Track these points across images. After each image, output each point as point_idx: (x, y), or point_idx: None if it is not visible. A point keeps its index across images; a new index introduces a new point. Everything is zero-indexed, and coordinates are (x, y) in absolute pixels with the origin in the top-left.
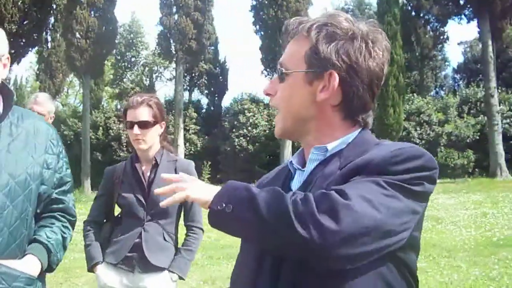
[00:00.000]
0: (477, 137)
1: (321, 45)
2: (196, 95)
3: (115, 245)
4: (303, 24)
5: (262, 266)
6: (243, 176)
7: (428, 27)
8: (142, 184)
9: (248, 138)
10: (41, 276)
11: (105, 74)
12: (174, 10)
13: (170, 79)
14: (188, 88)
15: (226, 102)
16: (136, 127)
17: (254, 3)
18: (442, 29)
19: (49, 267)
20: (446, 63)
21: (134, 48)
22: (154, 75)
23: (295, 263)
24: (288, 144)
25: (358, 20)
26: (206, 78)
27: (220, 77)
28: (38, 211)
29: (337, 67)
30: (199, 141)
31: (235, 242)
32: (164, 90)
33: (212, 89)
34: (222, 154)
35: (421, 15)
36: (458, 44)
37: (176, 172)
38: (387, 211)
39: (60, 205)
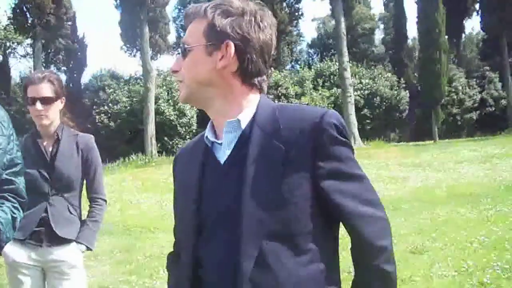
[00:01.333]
0: (331, 108)
1: (217, 21)
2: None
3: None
4: (200, 7)
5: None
6: (105, 154)
7: (284, 4)
8: (45, 159)
9: (109, 114)
10: None
11: None
12: None
13: (25, 56)
14: (44, 65)
15: (85, 79)
16: (38, 103)
17: None
18: (297, 5)
19: None
20: (301, 39)
21: None
22: (7, 51)
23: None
24: (151, 120)
25: (247, 1)
26: (63, 54)
27: (79, 53)
28: None
29: (232, 38)
30: None
31: (109, 218)
32: (19, 67)
33: (70, 65)
34: (84, 131)
35: None
36: (312, 20)
37: (77, 147)
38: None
39: (11, 186)
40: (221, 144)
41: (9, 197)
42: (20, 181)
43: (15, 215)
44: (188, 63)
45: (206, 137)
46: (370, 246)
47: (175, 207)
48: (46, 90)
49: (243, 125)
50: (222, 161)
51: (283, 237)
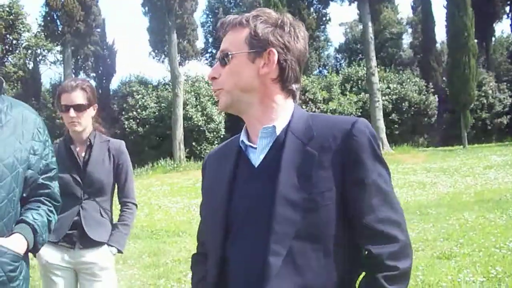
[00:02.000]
0: (359, 113)
1: (259, 30)
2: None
3: None
4: (239, 17)
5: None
6: (133, 159)
7: (312, 9)
8: (77, 164)
9: (137, 120)
10: (26, 256)
11: None
12: None
13: (54, 62)
14: (74, 71)
15: (114, 84)
16: (71, 110)
17: None
18: (324, 10)
19: (35, 247)
20: (329, 43)
21: (15, 30)
22: (37, 58)
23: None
24: (180, 125)
25: (282, 12)
26: (92, 60)
27: (108, 60)
28: (25, 195)
29: (275, 45)
30: None
31: (137, 223)
32: (49, 73)
33: (99, 71)
34: (112, 137)
35: None
36: (339, 25)
37: (109, 152)
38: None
39: (46, 190)
40: (255, 148)
41: (44, 201)
42: (55, 186)
43: (50, 218)
44: (230, 69)
45: (242, 141)
46: (379, 265)
47: (202, 208)
48: (79, 97)
49: (278, 131)
50: (256, 165)
51: (312, 239)
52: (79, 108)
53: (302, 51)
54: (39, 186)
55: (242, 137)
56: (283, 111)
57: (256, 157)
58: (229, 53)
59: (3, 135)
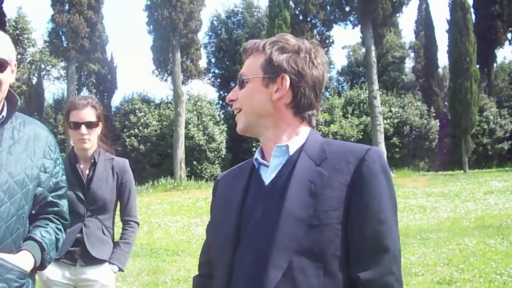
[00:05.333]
0: (361, 136)
1: (274, 56)
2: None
3: None
4: (258, 43)
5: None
6: (134, 176)
7: (315, 31)
8: (81, 182)
9: (139, 138)
10: (33, 273)
11: None
12: (67, 7)
13: (58, 78)
14: (77, 87)
15: (116, 101)
16: (83, 127)
17: (149, 3)
18: (327, 33)
19: (42, 265)
20: (331, 66)
21: (20, 45)
22: (41, 73)
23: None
24: (181, 144)
25: (302, 38)
26: (95, 77)
27: (109, 76)
28: (34, 212)
29: (288, 72)
30: None
31: (137, 241)
32: (51, 88)
33: (101, 88)
34: (113, 154)
35: (309, 19)
36: (342, 48)
37: (113, 170)
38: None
39: (55, 208)
40: (267, 166)
41: (53, 219)
42: (64, 204)
43: (58, 237)
44: (245, 93)
45: (256, 158)
46: None
47: (210, 228)
48: (89, 115)
49: (291, 151)
50: (266, 182)
51: (313, 256)
52: (90, 125)
53: (318, 78)
54: (48, 203)
55: (257, 154)
56: (297, 135)
57: (268, 175)
58: (244, 77)
59: (15, 151)
